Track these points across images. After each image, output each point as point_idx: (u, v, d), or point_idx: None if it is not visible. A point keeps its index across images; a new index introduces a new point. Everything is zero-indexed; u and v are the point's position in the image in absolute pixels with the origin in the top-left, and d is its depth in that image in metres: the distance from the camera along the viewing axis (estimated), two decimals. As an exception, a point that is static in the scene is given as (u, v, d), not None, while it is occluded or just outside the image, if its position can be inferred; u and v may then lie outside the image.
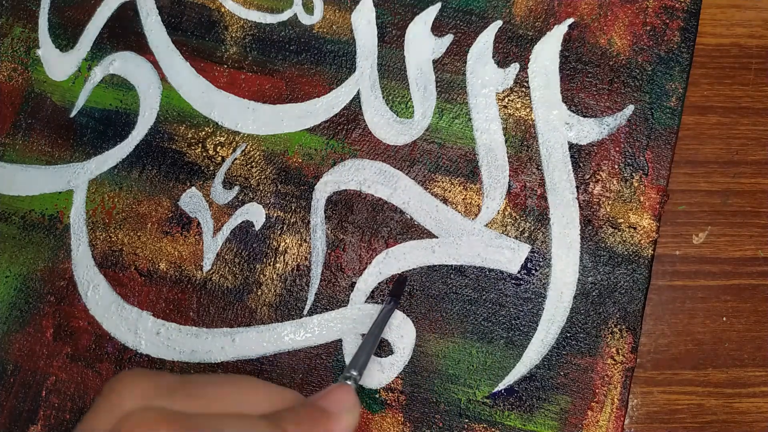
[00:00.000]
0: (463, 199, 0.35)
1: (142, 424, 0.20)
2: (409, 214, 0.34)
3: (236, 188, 0.35)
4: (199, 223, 0.35)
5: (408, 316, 0.34)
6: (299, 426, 0.22)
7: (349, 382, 0.26)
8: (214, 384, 0.23)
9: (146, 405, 0.21)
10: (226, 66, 0.36)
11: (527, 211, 0.34)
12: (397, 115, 0.35)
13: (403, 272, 0.34)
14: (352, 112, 0.35)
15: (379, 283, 0.34)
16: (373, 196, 0.35)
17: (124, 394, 0.22)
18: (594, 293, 0.34)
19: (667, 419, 0.35)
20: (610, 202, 0.34)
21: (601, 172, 0.34)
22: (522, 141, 0.35)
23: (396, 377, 0.33)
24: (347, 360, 0.34)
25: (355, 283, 0.34)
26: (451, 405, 0.33)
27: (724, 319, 0.35)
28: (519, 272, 0.34)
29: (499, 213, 0.34)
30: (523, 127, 0.35)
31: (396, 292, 0.33)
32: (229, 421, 0.21)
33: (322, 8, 0.36)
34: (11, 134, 0.35)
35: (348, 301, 0.34)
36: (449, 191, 0.35)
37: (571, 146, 0.35)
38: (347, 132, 0.35)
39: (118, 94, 0.36)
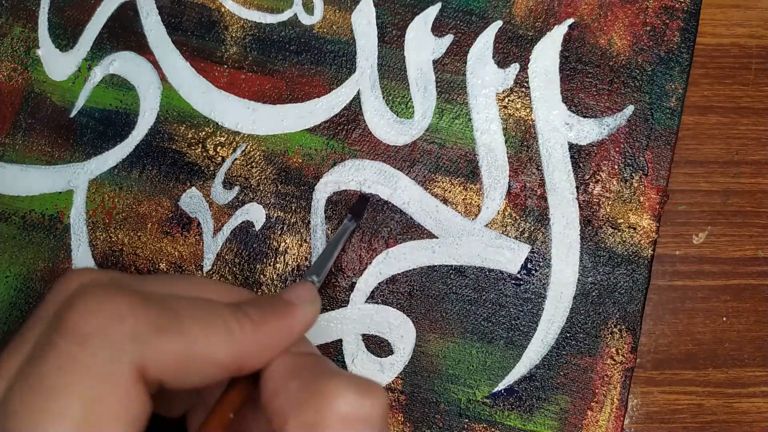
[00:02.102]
0: (463, 199, 0.35)
1: (90, 291, 0.19)
2: (409, 215, 0.34)
3: (236, 188, 0.35)
4: (199, 224, 0.35)
5: (408, 316, 0.34)
6: (261, 311, 0.22)
7: (312, 279, 0.27)
8: (175, 278, 0.23)
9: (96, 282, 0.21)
10: (226, 66, 0.36)
11: (527, 211, 0.34)
12: (397, 115, 0.35)
13: (366, 194, 0.34)
14: (352, 112, 0.35)
15: (379, 284, 0.34)
16: (373, 196, 0.35)
17: (70, 281, 0.21)
18: (594, 293, 0.34)
19: (667, 419, 0.35)
20: (610, 203, 0.34)
21: (601, 173, 0.34)
22: (522, 141, 0.35)
23: (396, 377, 0.33)
24: (347, 360, 0.34)
25: (355, 283, 0.34)
26: (451, 405, 0.33)
27: (724, 319, 0.35)
28: (519, 272, 0.34)
29: (499, 213, 0.34)
30: (523, 128, 0.35)
31: (357, 210, 0.33)
32: (186, 297, 0.21)
33: (322, 8, 0.36)
34: (11, 134, 0.35)
35: (348, 301, 0.34)
36: (449, 191, 0.35)
37: (571, 146, 0.35)
38: (347, 132, 0.35)
39: (118, 94, 0.36)
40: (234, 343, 0.20)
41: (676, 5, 0.35)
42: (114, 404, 0.18)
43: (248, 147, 0.35)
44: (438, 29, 0.36)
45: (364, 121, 0.35)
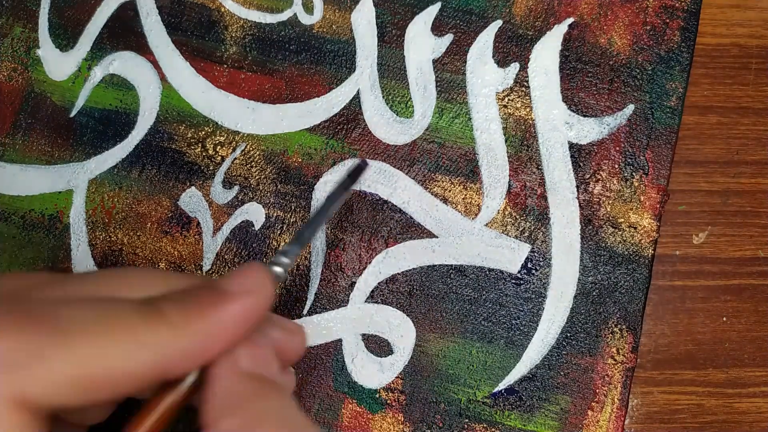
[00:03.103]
0: (463, 198, 0.35)
1: None
2: (409, 214, 0.34)
3: (236, 188, 0.35)
4: (198, 223, 0.35)
5: (408, 315, 0.34)
6: (182, 307, 0.18)
7: (276, 267, 0.23)
8: (95, 275, 0.20)
9: None
10: (226, 66, 0.36)
11: (527, 210, 0.34)
12: (397, 114, 0.35)
13: (364, 161, 0.33)
14: (352, 111, 0.35)
15: (379, 283, 0.34)
16: (373, 195, 0.35)
17: None
18: (594, 293, 0.34)
19: (667, 419, 0.35)
20: (610, 202, 0.34)
21: (601, 172, 0.34)
22: (522, 141, 0.35)
23: (396, 377, 0.33)
24: (347, 360, 0.34)
25: (354, 282, 0.34)
26: (451, 405, 0.33)
27: (724, 319, 0.35)
28: (519, 272, 0.34)
29: (499, 213, 0.34)
30: (523, 127, 0.35)
31: (353, 176, 0.31)
32: (82, 306, 0.18)
33: (322, 8, 0.36)
34: (11, 134, 0.35)
35: (348, 300, 0.34)
36: (449, 191, 0.35)
37: (571, 146, 0.35)
38: (347, 132, 0.35)
39: (118, 93, 0.36)
40: (145, 351, 0.18)
41: (677, 4, 0.35)
42: None
43: (248, 146, 0.35)
44: (438, 29, 0.36)
45: (364, 121, 0.35)
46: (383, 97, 0.35)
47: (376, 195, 0.35)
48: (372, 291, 0.34)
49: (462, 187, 0.35)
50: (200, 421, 0.19)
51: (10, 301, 0.18)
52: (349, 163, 0.35)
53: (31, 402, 0.17)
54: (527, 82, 0.35)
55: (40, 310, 0.18)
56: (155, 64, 0.36)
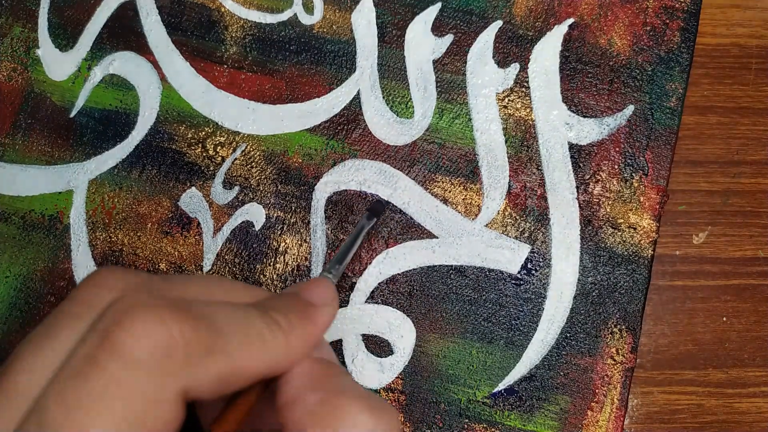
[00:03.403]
0: (463, 199, 0.35)
1: (139, 310, 0.18)
2: (409, 215, 0.34)
3: (236, 188, 0.35)
4: (199, 224, 0.35)
5: (408, 316, 0.34)
6: (286, 315, 0.21)
7: (329, 276, 0.27)
8: (192, 279, 0.22)
9: (136, 293, 0.20)
10: (226, 66, 0.36)
11: (527, 211, 0.34)
12: (397, 115, 0.35)
13: (384, 200, 0.35)
14: (352, 112, 0.35)
15: (379, 284, 0.34)
16: (373, 196, 0.35)
17: (104, 285, 0.20)
18: (594, 293, 0.34)
19: (667, 419, 0.35)
20: (610, 203, 0.34)
21: (601, 173, 0.34)
22: (522, 141, 0.35)
23: (396, 377, 0.33)
24: (347, 360, 0.34)
25: (355, 283, 0.34)
26: (451, 405, 0.33)
27: (724, 319, 0.35)
28: (519, 272, 0.34)
29: (499, 213, 0.34)
30: (523, 127, 0.35)
31: (375, 210, 0.33)
32: (223, 307, 0.20)
33: (322, 8, 0.36)
34: (11, 134, 0.35)
35: (348, 301, 0.34)
36: (449, 191, 0.35)
37: (571, 146, 0.35)
38: (347, 132, 0.35)
39: (118, 94, 0.36)
40: (268, 353, 0.20)
41: (676, 5, 0.35)
42: (155, 426, 0.18)
43: (248, 147, 0.35)
44: (438, 29, 0.36)
45: (364, 121, 0.35)
46: (383, 97, 0.35)
47: (377, 195, 0.35)
48: (372, 291, 0.34)
49: (462, 187, 0.35)
50: (281, 402, 0.21)
51: (165, 299, 0.19)
52: (349, 163, 0.35)
53: (191, 394, 0.18)
54: (527, 82, 0.35)
55: (199, 311, 0.19)
56: (155, 64, 0.36)
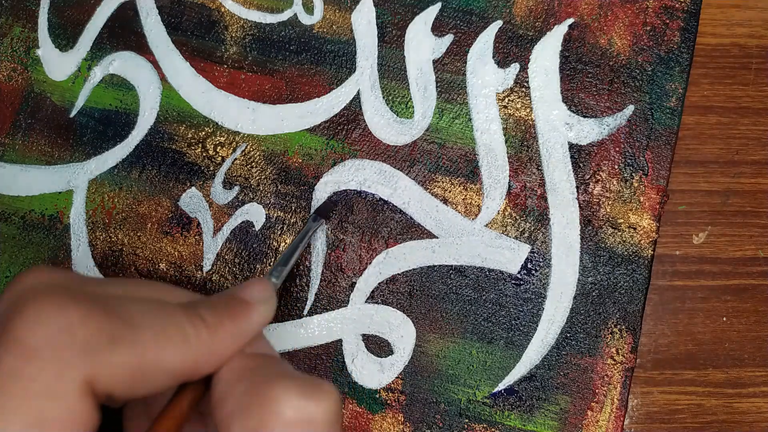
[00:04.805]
0: (463, 199, 0.35)
1: (39, 297, 0.18)
2: (409, 215, 0.34)
3: (236, 188, 0.35)
4: (199, 224, 0.35)
5: (408, 316, 0.34)
6: (215, 312, 0.21)
7: (273, 279, 0.27)
8: (128, 280, 0.22)
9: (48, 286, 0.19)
10: (226, 66, 0.36)
11: (527, 211, 0.34)
12: (397, 115, 0.35)
13: (336, 194, 0.35)
14: (352, 112, 0.35)
15: (379, 284, 0.34)
16: (373, 196, 0.35)
17: (25, 282, 0.19)
18: (594, 293, 0.34)
19: (667, 419, 0.35)
20: (610, 203, 0.34)
21: (601, 173, 0.34)
22: (522, 141, 0.35)
23: (396, 377, 0.33)
24: (347, 360, 0.34)
25: (355, 283, 0.34)
26: (451, 405, 0.33)
27: (724, 319, 0.35)
28: (519, 272, 0.34)
29: (499, 213, 0.34)
30: (523, 127, 0.35)
31: (322, 211, 0.34)
32: (142, 302, 0.20)
33: (322, 8, 0.36)
34: (11, 134, 0.35)
35: (348, 301, 0.34)
36: (449, 191, 0.35)
37: (571, 146, 0.35)
38: (347, 132, 0.35)
39: (118, 94, 0.36)
40: (189, 350, 0.19)
41: (676, 5, 0.35)
42: (59, 424, 0.17)
43: (248, 147, 0.35)
44: (438, 29, 0.36)
45: (364, 121, 0.35)
46: (383, 97, 0.35)
47: (377, 195, 0.35)
48: (372, 291, 0.34)
49: (462, 187, 0.35)
50: (213, 400, 0.20)
51: (76, 291, 0.19)
52: (349, 163, 0.35)
53: (97, 387, 0.18)
54: (527, 82, 0.35)
55: (112, 303, 0.19)
56: (155, 64, 0.36)
